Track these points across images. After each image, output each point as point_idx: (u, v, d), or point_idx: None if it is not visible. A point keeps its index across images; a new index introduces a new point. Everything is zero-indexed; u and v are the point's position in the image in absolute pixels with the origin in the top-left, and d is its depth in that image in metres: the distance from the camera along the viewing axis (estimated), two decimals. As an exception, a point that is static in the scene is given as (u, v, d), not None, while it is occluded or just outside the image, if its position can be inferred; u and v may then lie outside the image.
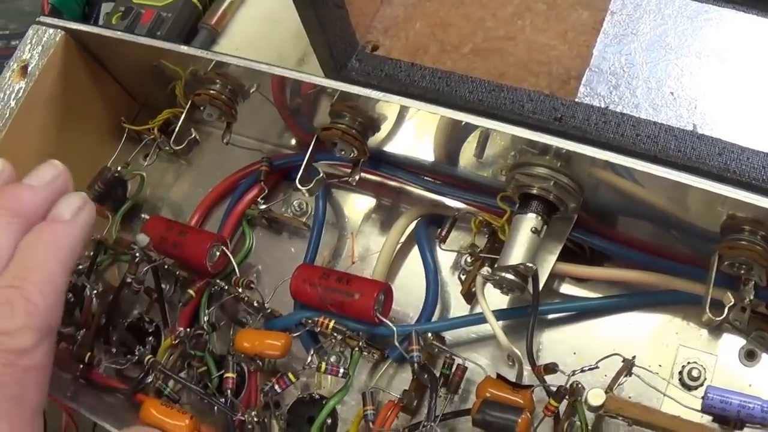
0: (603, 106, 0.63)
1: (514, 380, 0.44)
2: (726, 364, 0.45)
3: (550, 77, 0.65)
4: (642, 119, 0.59)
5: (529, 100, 0.55)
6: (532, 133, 0.41)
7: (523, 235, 0.42)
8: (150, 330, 0.50)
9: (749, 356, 0.46)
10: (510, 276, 0.42)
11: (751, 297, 0.42)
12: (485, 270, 0.42)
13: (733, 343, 0.46)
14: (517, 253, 0.42)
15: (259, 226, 0.52)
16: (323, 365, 0.44)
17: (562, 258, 0.45)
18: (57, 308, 0.36)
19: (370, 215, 0.52)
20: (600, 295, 0.47)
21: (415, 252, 0.49)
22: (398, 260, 0.49)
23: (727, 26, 0.57)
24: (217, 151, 0.56)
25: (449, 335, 0.47)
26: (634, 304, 0.46)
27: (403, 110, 0.44)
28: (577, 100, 0.63)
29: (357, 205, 0.52)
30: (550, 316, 0.47)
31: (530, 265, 0.41)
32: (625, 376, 0.42)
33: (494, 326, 0.42)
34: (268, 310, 0.47)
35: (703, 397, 0.41)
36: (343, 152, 0.46)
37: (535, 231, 0.43)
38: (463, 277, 0.47)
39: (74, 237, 0.38)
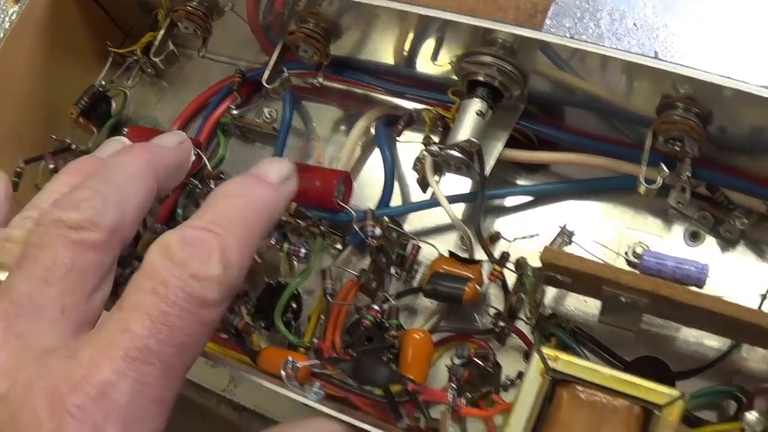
0: (568, 36, 0.66)
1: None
2: (671, 246, 0.48)
3: (517, 11, 0.68)
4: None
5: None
6: (483, 21, 0.44)
7: (468, 117, 0.45)
8: (131, 232, 0.53)
9: (693, 237, 0.48)
10: (455, 152, 0.45)
11: (688, 173, 0.44)
12: (433, 147, 0.45)
13: (677, 225, 0.48)
14: (462, 133, 0.45)
15: (233, 137, 0.56)
16: (286, 245, 0.47)
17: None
18: (244, 274, 0.32)
19: (337, 124, 0.55)
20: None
21: (377, 154, 0.52)
22: (361, 162, 0.53)
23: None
24: (197, 74, 0.59)
25: (408, 227, 0.50)
26: (581, 189, 0.49)
27: (364, 13, 0.47)
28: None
29: (324, 115, 0.55)
30: (500, 203, 0.50)
31: (473, 140, 0.44)
32: (565, 244, 0.45)
33: (442, 200, 0.45)
34: (238, 204, 0.50)
35: (639, 260, 0.43)
36: (306, 53, 0.49)
37: (480, 114, 0.45)
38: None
39: (277, 205, 0.35)
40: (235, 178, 0.35)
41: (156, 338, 0.28)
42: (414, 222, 0.50)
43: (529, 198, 0.49)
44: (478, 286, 0.44)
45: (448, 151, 0.45)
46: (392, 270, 0.47)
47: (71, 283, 0.30)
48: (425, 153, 0.45)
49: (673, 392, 0.38)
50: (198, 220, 0.32)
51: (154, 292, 0.29)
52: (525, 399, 0.39)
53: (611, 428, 0.38)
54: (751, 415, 0.40)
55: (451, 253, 0.46)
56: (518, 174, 0.51)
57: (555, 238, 0.44)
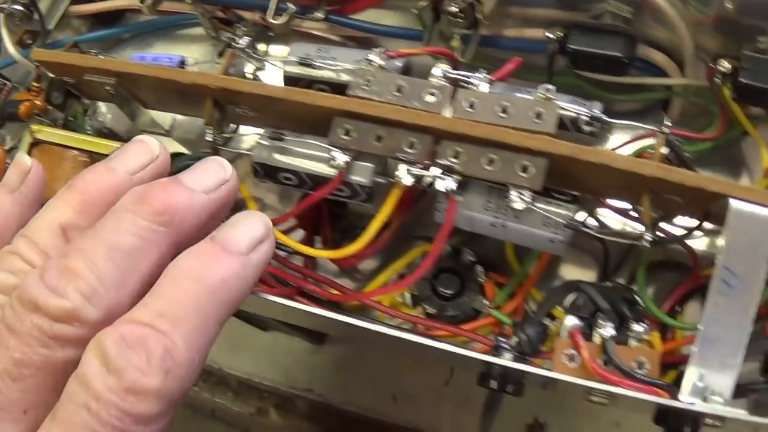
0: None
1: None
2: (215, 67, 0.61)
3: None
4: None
5: None
6: None
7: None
8: None
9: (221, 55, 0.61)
10: (16, 6, 0.59)
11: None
12: (11, 6, 0.59)
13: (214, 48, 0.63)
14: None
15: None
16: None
17: None
18: (197, 371, 0.28)
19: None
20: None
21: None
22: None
23: None
24: None
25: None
26: (141, 29, 0.64)
27: None
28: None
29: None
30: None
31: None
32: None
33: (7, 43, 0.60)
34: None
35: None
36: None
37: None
38: None
39: (246, 281, 0.30)
40: (193, 247, 0.30)
41: None
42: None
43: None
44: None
45: (9, 5, 0.59)
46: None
47: (40, 381, 0.28)
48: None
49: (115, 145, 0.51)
50: (142, 310, 0.28)
51: (86, 408, 0.26)
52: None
53: (63, 166, 0.50)
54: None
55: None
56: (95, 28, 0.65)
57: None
